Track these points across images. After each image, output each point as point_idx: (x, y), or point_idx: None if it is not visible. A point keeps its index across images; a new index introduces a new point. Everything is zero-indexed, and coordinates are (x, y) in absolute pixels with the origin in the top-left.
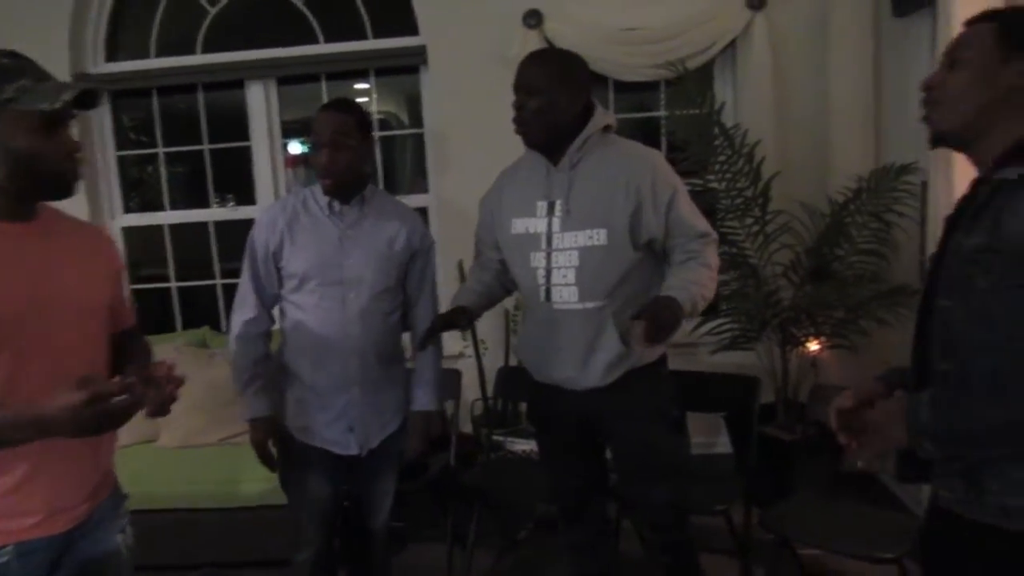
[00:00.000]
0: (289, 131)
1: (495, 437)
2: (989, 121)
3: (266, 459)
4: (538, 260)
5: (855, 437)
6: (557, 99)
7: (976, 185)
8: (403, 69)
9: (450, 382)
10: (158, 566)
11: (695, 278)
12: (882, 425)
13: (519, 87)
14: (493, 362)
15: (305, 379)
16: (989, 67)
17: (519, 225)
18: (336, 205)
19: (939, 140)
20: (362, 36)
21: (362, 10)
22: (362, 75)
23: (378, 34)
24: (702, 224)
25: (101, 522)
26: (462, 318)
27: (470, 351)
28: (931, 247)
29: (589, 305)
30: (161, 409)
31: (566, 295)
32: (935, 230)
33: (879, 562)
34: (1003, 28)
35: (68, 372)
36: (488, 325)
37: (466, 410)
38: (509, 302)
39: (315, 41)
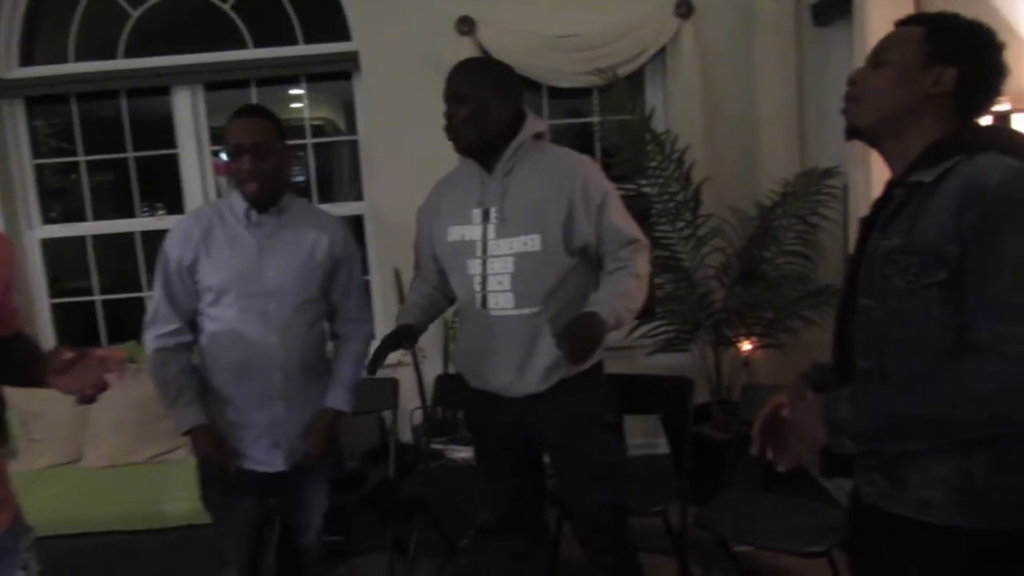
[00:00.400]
0: (217, 138)
1: (435, 446)
2: (904, 122)
3: (223, 468)
4: (474, 267)
5: (775, 443)
6: (487, 106)
7: (890, 187)
8: (335, 75)
9: (387, 392)
10: None
11: (621, 290)
12: (801, 426)
13: (449, 96)
14: (433, 370)
15: (227, 395)
16: (910, 70)
17: (455, 233)
18: (254, 215)
19: (854, 134)
20: (293, 41)
21: (292, 15)
22: (293, 81)
23: (309, 39)
24: (632, 230)
25: None
26: (408, 340)
27: (408, 359)
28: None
29: (525, 311)
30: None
31: (502, 301)
32: (856, 231)
33: (808, 556)
34: (929, 34)
35: None
36: (427, 333)
37: (406, 419)
38: (448, 310)
39: (244, 46)
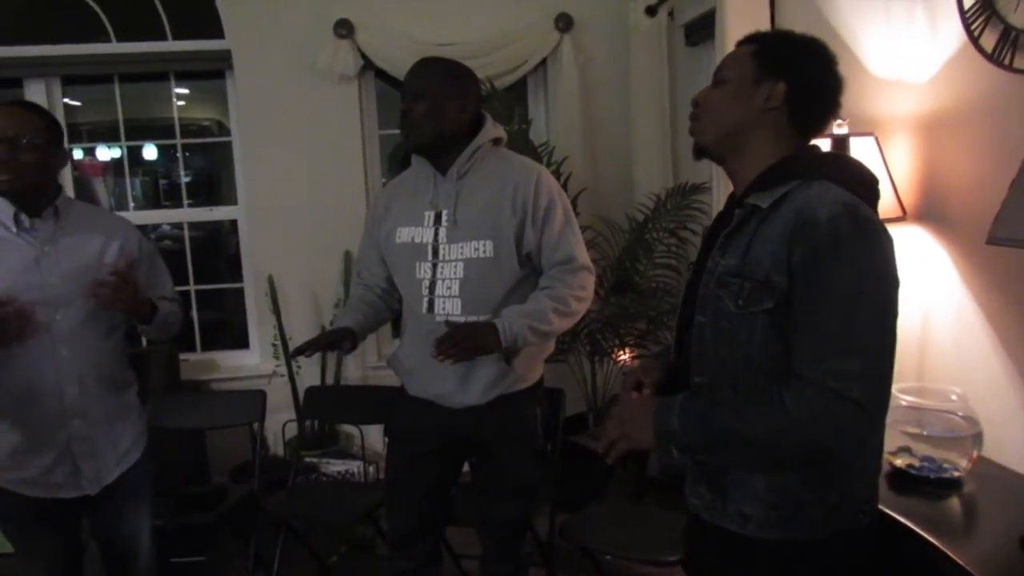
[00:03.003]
0: (94, 135)
1: (309, 459)
2: (743, 140)
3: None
4: (423, 271)
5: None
6: (444, 106)
7: (731, 204)
8: (208, 74)
9: (254, 403)
10: None
11: (532, 309)
12: (629, 426)
13: (406, 91)
14: (309, 381)
15: (16, 418)
16: (744, 87)
17: (405, 234)
18: (24, 220)
19: (700, 152)
20: (161, 37)
21: (160, 9)
22: (162, 78)
23: (179, 35)
24: (570, 249)
25: None
26: (346, 342)
27: (283, 370)
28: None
29: (472, 319)
30: None
31: (449, 307)
32: None
33: (662, 565)
34: (759, 50)
35: None
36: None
37: (282, 433)
38: (325, 318)
39: (107, 39)
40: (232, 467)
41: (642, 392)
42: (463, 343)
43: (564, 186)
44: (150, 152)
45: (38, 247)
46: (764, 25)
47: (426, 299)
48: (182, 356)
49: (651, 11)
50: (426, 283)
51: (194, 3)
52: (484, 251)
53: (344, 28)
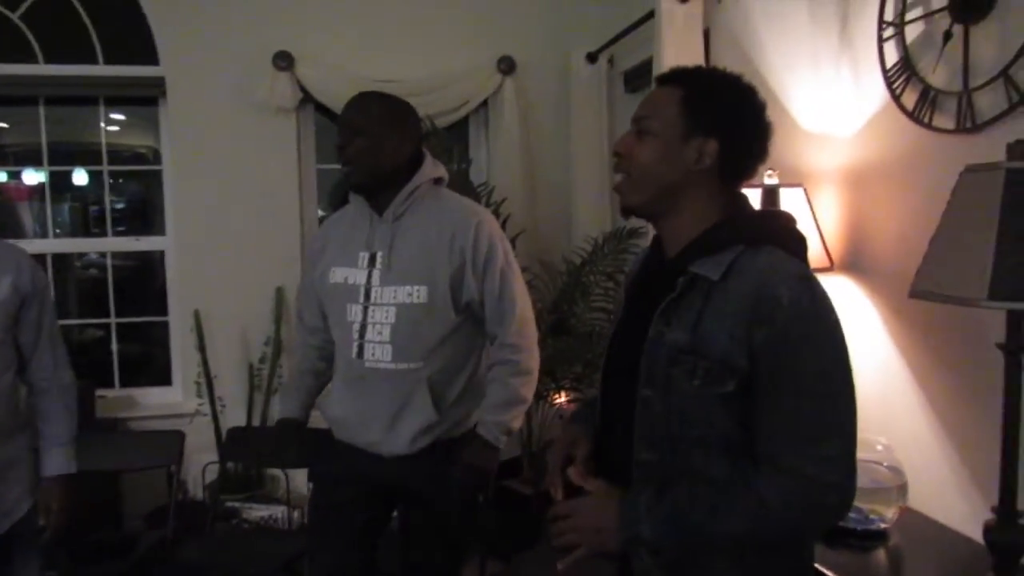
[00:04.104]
0: (19, 158)
1: (231, 504)
2: (674, 200)
3: None
4: (354, 313)
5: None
6: (382, 142)
7: (660, 259)
8: (139, 100)
9: (171, 445)
10: None
11: (509, 397)
12: (588, 531)
13: (343, 125)
14: (234, 421)
15: None
16: (673, 143)
17: (338, 274)
18: None
19: (628, 212)
20: (92, 61)
21: (92, 33)
22: (91, 102)
23: (112, 60)
24: (518, 301)
25: None
26: (292, 445)
27: (206, 408)
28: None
29: (402, 366)
30: None
31: (379, 353)
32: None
33: None
34: (687, 98)
35: None
36: (230, 380)
37: (200, 475)
38: (254, 355)
39: (34, 61)
40: (148, 511)
41: (572, 467)
42: (480, 480)
43: (503, 226)
44: (80, 177)
45: None
46: None
47: (356, 343)
48: (99, 392)
49: (592, 58)
50: (356, 326)
51: (128, 28)
52: (417, 296)
53: (284, 60)
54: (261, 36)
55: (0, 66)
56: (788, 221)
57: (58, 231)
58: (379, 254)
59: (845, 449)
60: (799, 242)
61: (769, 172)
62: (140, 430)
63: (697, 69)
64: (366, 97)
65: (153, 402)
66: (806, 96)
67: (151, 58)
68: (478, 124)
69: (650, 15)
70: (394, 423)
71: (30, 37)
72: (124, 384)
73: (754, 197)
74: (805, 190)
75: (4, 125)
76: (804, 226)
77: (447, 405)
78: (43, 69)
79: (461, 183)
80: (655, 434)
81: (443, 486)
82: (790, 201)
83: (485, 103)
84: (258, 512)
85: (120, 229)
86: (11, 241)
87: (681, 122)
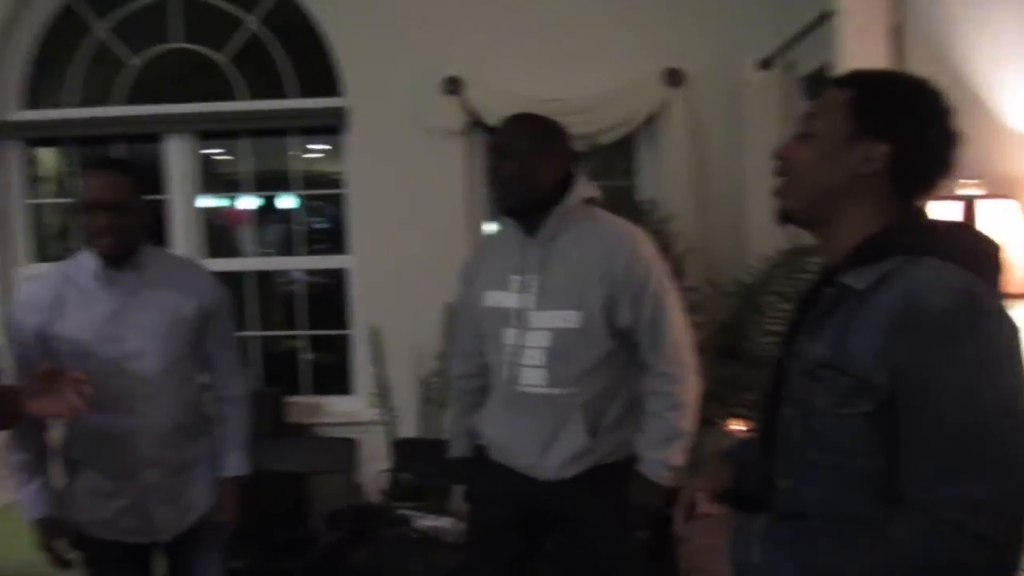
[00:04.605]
0: (235, 185)
1: (403, 512)
2: (836, 207)
3: (57, 562)
4: (509, 337)
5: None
6: (535, 165)
7: (823, 279)
8: (325, 130)
9: (346, 452)
10: None
11: (668, 434)
12: (701, 557)
13: (495, 149)
14: (407, 431)
15: (93, 465)
16: (837, 146)
17: (491, 298)
18: (107, 273)
19: (785, 218)
20: (286, 95)
21: (287, 70)
22: (283, 133)
23: (304, 94)
24: (675, 327)
25: None
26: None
27: (380, 417)
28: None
29: (556, 391)
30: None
31: (533, 377)
32: None
33: None
34: (858, 99)
35: None
36: (403, 391)
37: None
38: (425, 369)
39: (238, 98)
40: (330, 512)
41: (700, 493)
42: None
43: (668, 245)
44: (287, 201)
45: (120, 300)
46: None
47: (509, 367)
48: (289, 399)
49: (765, 64)
50: (510, 350)
51: (319, 64)
52: (571, 321)
53: (453, 85)
54: (431, 63)
55: (208, 104)
56: (976, 236)
57: (267, 251)
58: (531, 278)
59: (1000, 492)
60: (984, 261)
61: (974, 181)
62: (324, 436)
63: (874, 71)
64: (516, 120)
65: (336, 410)
66: (1017, 92)
67: (336, 90)
68: (644, 139)
69: (829, 15)
70: (547, 448)
71: (235, 77)
72: (316, 391)
73: (955, 211)
74: (1021, 203)
75: (229, 157)
76: (1017, 245)
77: (602, 431)
78: (242, 105)
79: (625, 201)
80: (791, 459)
81: (596, 514)
82: (997, 215)
83: (652, 117)
84: (427, 522)
85: (320, 247)
86: (190, 258)
87: (847, 124)
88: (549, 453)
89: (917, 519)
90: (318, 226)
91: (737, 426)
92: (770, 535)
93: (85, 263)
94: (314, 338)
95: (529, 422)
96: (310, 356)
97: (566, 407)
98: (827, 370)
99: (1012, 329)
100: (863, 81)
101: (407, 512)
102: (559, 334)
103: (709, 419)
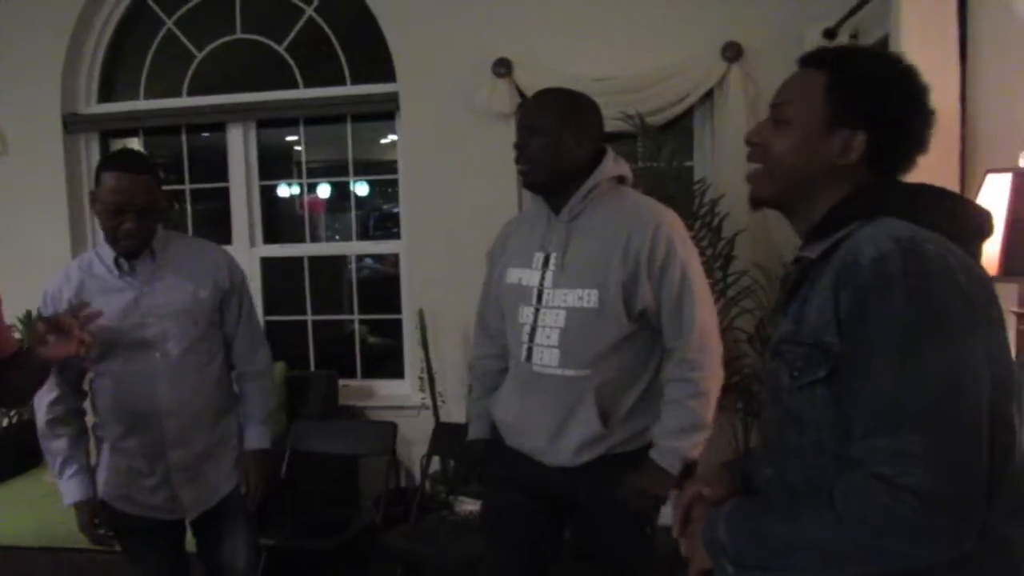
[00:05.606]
0: (315, 172)
1: (444, 496)
2: (810, 192)
3: (99, 541)
4: (526, 315)
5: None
6: (561, 141)
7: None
8: (380, 115)
9: (384, 435)
10: None
11: (685, 423)
12: (688, 544)
13: (522, 125)
14: (453, 417)
15: (123, 447)
16: (814, 135)
17: (514, 275)
18: (124, 263)
19: (758, 204)
20: (341, 82)
21: (342, 57)
22: (339, 120)
23: (357, 80)
24: (701, 312)
25: None
26: (483, 465)
27: (428, 402)
28: None
29: (569, 372)
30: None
31: (547, 357)
32: None
33: None
34: (833, 87)
35: None
36: (450, 376)
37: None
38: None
39: (295, 86)
40: (377, 494)
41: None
42: (649, 507)
43: (719, 227)
44: (361, 189)
45: (138, 288)
46: (952, 43)
47: (525, 346)
48: (343, 382)
49: (830, 34)
50: (527, 328)
51: (373, 50)
52: (588, 301)
53: (503, 67)
54: (481, 45)
55: (267, 93)
56: (957, 199)
57: (337, 236)
58: (553, 255)
59: (933, 444)
60: (963, 224)
61: None
62: (374, 419)
63: (845, 50)
64: (544, 95)
65: (387, 393)
66: None
67: (391, 76)
68: (702, 117)
69: None
70: (558, 433)
71: (292, 65)
72: (368, 375)
73: (1003, 184)
74: None
75: (298, 148)
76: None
77: (617, 418)
78: (299, 93)
79: (673, 181)
80: (771, 445)
81: (609, 504)
82: None
83: (709, 94)
84: (467, 506)
85: (393, 231)
86: (208, 242)
87: (824, 113)
88: (560, 438)
89: (855, 476)
90: (394, 210)
91: None
92: (732, 512)
93: (104, 254)
94: (375, 322)
95: (540, 403)
96: (370, 340)
97: (579, 390)
98: (788, 344)
99: (970, 279)
100: (838, 64)
101: (450, 496)
102: (574, 313)
103: (758, 408)
